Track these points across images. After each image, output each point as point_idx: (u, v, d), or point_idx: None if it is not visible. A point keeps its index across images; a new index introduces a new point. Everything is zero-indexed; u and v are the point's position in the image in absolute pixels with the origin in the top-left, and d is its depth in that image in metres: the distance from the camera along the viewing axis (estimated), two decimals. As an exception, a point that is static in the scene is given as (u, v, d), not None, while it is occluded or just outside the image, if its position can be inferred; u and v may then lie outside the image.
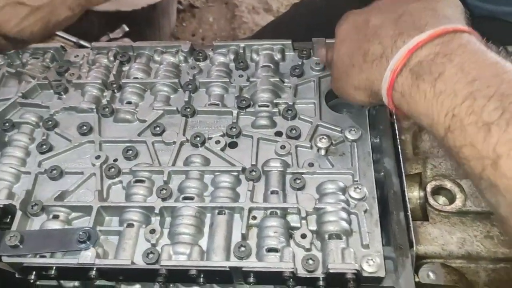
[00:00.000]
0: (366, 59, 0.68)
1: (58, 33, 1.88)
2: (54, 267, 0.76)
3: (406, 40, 0.63)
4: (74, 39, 1.30)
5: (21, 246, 0.77)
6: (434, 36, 0.61)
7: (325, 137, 0.87)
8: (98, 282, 0.82)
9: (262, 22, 3.05)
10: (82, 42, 1.30)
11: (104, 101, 0.99)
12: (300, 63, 1.02)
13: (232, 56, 1.05)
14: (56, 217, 0.82)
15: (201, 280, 0.75)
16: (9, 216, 0.84)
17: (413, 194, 0.86)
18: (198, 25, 3.28)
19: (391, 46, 0.65)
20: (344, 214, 0.78)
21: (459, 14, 0.67)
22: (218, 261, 0.74)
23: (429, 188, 0.86)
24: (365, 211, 0.79)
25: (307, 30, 1.15)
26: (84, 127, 0.94)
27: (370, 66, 0.68)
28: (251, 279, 0.74)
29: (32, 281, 0.77)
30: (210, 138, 0.91)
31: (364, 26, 0.71)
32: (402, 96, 0.63)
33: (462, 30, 0.62)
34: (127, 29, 2.31)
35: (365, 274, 0.72)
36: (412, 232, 0.79)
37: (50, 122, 0.96)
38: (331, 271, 0.71)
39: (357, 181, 0.82)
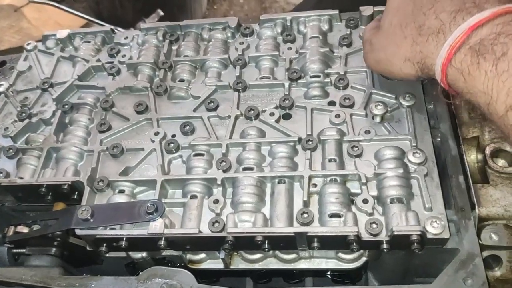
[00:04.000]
0: (421, 32, 0.68)
1: (94, 20, 1.92)
2: (124, 238, 0.79)
3: (466, 17, 0.63)
4: (110, 26, 1.31)
5: (92, 220, 0.81)
6: (496, 15, 0.61)
7: (380, 104, 0.87)
8: (164, 253, 0.86)
9: (294, 0, 3.02)
10: (119, 29, 1.32)
11: (157, 80, 1.02)
12: (348, 32, 1.02)
13: (279, 30, 1.06)
14: (121, 191, 0.86)
15: (266, 246, 0.77)
16: (76, 193, 0.88)
17: (471, 157, 0.86)
18: (228, 7, 3.28)
19: (449, 21, 0.64)
20: (404, 179, 0.78)
21: None
22: (282, 227, 0.76)
23: (488, 150, 0.85)
24: (426, 175, 0.79)
25: (352, 1, 1.14)
26: (141, 106, 0.97)
27: (425, 40, 0.67)
28: (315, 244, 0.75)
29: (103, 252, 0.81)
30: (264, 111, 0.92)
31: None
32: (460, 73, 0.63)
33: None
34: (162, 13, 2.33)
35: (429, 236, 0.72)
36: (473, 194, 0.79)
37: (107, 102, 0.99)
38: (395, 233, 0.72)
39: (415, 146, 0.82)
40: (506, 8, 0.61)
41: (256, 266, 0.85)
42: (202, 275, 0.87)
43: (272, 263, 0.85)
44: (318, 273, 0.89)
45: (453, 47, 0.63)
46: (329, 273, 0.88)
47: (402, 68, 0.73)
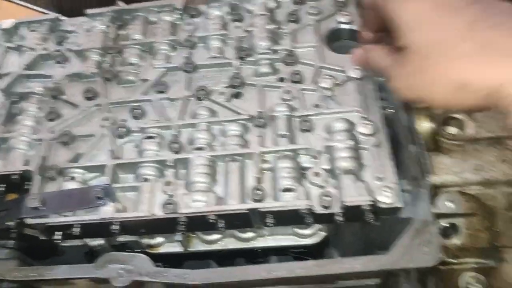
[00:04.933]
0: (489, 53, 0.53)
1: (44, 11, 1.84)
2: (76, 225, 0.78)
3: None
4: (56, 14, 1.25)
5: (43, 208, 0.79)
6: None
7: (328, 77, 0.87)
8: (121, 239, 0.85)
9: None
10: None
11: (106, 65, 1.00)
12: (296, 8, 1.02)
13: (227, 9, 1.05)
14: (72, 178, 0.84)
15: (221, 225, 0.77)
16: (27, 183, 0.86)
17: (423, 126, 0.87)
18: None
19: None
20: (355, 150, 0.79)
21: None
22: (235, 204, 0.76)
23: (438, 118, 0.86)
24: (376, 146, 0.80)
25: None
26: (89, 92, 0.95)
27: (499, 61, 0.53)
28: (270, 220, 0.76)
29: (57, 241, 0.80)
30: (214, 91, 0.92)
31: (465, 7, 0.57)
32: None
33: None
34: (123, 5, 2.28)
35: (382, 206, 0.73)
36: (426, 162, 0.80)
37: (55, 90, 0.97)
38: (347, 204, 0.73)
39: (365, 117, 0.83)
40: None
41: (215, 247, 0.85)
42: (164, 261, 0.87)
43: (231, 243, 0.85)
44: (281, 252, 0.90)
45: None
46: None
47: (451, 95, 0.58)
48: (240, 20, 1.03)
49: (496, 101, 0.54)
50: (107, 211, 0.77)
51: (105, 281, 0.78)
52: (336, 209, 0.74)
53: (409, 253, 0.70)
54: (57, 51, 1.04)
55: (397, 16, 0.62)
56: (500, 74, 0.53)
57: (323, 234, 0.81)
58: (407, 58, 0.61)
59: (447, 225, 0.76)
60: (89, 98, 0.95)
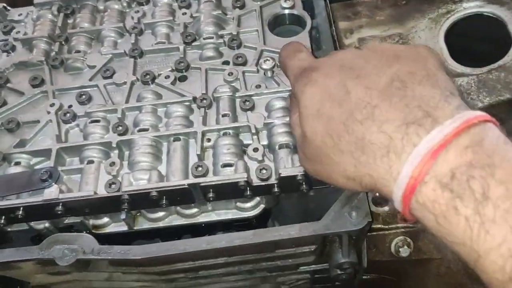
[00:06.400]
0: (363, 149, 0.52)
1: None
2: (20, 208, 0.79)
3: (421, 133, 0.48)
4: (2, 4, 1.24)
5: (-15, 193, 0.79)
6: (459, 132, 0.47)
7: (269, 59, 0.90)
8: (67, 221, 0.86)
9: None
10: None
11: (53, 54, 1.01)
12: (241, -5, 1.04)
13: (174, -4, 1.07)
14: (17, 163, 0.85)
15: (164, 202, 0.79)
16: (-28, 171, 0.86)
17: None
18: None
19: (400, 137, 0.49)
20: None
21: (452, 82, 0.55)
22: (177, 180, 0.78)
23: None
24: (312, 121, 0.83)
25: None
26: (36, 79, 0.96)
27: (371, 160, 0.52)
28: (211, 195, 0.78)
29: (1, 225, 0.80)
30: (159, 75, 0.94)
31: (344, 97, 0.55)
32: (429, 212, 0.48)
33: (485, 119, 0.49)
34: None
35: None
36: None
37: (1, 79, 0.97)
38: (282, 175, 0.76)
39: (302, 95, 0.86)
40: (466, 120, 0.48)
41: (160, 224, 0.86)
42: (113, 242, 0.88)
43: (176, 220, 0.87)
44: (226, 227, 0.92)
45: (416, 179, 0.47)
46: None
47: (346, 185, 0.58)
48: (187, 7, 1.05)
49: (381, 193, 0.54)
50: (50, 192, 0.78)
51: (51, 262, 0.79)
52: (272, 180, 0.77)
53: (340, 218, 0.73)
54: (4, 40, 1.05)
55: (298, 98, 0.61)
56: (374, 172, 0.52)
57: (262, 206, 0.84)
58: (305, 145, 0.61)
59: (377, 194, 0.80)
60: (35, 86, 0.95)
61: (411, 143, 0.48)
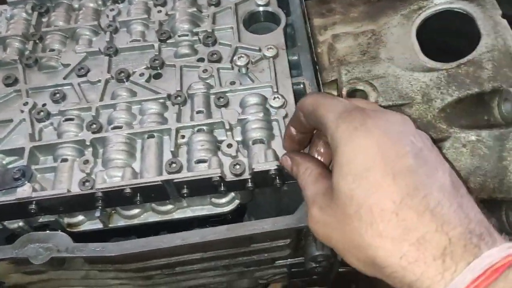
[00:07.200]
0: (411, 242, 0.47)
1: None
2: (-8, 207, 0.78)
3: (483, 248, 0.46)
4: None
5: (-43, 192, 0.79)
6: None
7: (243, 55, 0.91)
8: (42, 219, 0.86)
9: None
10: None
11: (27, 53, 1.00)
12: (217, -8, 1.05)
13: (150, -6, 1.07)
14: (-10, 163, 0.84)
15: (138, 199, 0.79)
16: None
17: (332, 98, 0.92)
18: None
19: (463, 245, 0.47)
20: (265, 122, 0.83)
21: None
22: (150, 177, 0.78)
23: (344, 91, 0.92)
24: (285, 117, 0.84)
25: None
26: (9, 79, 0.95)
27: (420, 257, 0.47)
28: (185, 191, 0.79)
29: (-26, 225, 0.80)
30: (134, 73, 0.94)
31: (403, 170, 0.49)
32: None
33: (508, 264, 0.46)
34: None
35: (287, 171, 0.77)
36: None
37: (-27, 78, 0.96)
38: (255, 170, 0.76)
39: (276, 91, 0.87)
40: (495, 264, 0.45)
41: (136, 221, 0.86)
42: (86, 239, 0.88)
43: (151, 217, 0.87)
44: (202, 223, 0.92)
45: None
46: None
47: (365, 269, 0.52)
48: (162, 5, 1.05)
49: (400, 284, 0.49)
50: (23, 191, 0.78)
51: (25, 261, 0.79)
52: (246, 175, 0.77)
53: (312, 212, 0.74)
54: (-23, 39, 1.04)
55: (338, 142, 0.52)
56: (418, 270, 0.47)
57: (237, 201, 0.84)
58: (331, 205, 0.53)
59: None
60: (8, 85, 0.95)
61: (472, 254, 0.46)
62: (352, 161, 0.50)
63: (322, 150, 0.68)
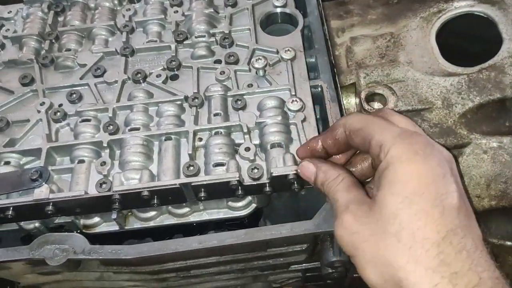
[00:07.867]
0: (446, 269, 0.49)
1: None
2: (10, 208, 0.78)
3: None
4: None
5: (-25, 192, 0.79)
6: None
7: (261, 58, 0.90)
8: (58, 220, 0.85)
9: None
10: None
11: (43, 52, 1.00)
12: (233, -7, 1.04)
13: (166, -6, 1.06)
14: (7, 163, 0.84)
15: (155, 201, 0.78)
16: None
17: (350, 102, 0.91)
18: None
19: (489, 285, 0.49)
20: (283, 125, 0.82)
21: None
22: (168, 180, 0.78)
23: (363, 95, 0.91)
24: (303, 120, 0.83)
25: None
26: (26, 78, 0.95)
27: (444, 282, 0.49)
28: (202, 194, 0.78)
29: (-9, 225, 0.80)
30: (151, 74, 0.93)
31: (448, 205, 0.51)
32: None
33: None
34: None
35: (305, 177, 0.76)
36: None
37: (-10, 77, 0.96)
38: (274, 174, 0.75)
39: (294, 94, 0.86)
40: None
41: (152, 224, 0.86)
42: (101, 241, 0.88)
43: (167, 219, 0.87)
44: (218, 226, 0.92)
45: None
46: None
47: (382, 286, 0.52)
48: (179, 5, 1.04)
49: None
50: (40, 192, 0.78)
51: (41, 262, 0.79)
52: (264, 180, 0.77)
53: (331, 217, 0.73)
54: (-7, 38, 1.04)
55: (392, 161, 0.53)
56: None
57: (254, 205, 0.84)
58: (368, 216, 0.53)
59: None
60: (25, 84, 0.94)
61: None
62: (406, 182, 0.51)
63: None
